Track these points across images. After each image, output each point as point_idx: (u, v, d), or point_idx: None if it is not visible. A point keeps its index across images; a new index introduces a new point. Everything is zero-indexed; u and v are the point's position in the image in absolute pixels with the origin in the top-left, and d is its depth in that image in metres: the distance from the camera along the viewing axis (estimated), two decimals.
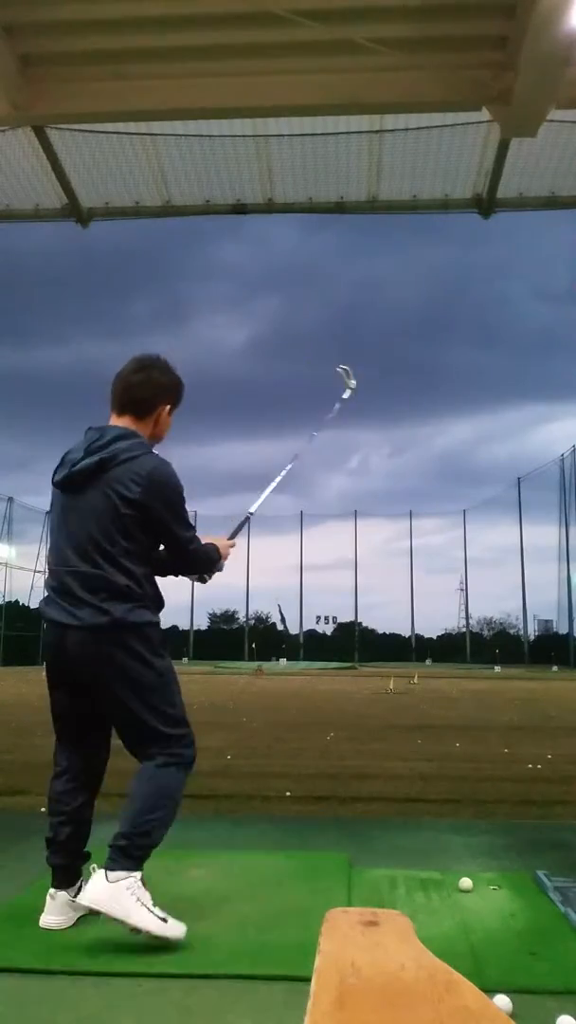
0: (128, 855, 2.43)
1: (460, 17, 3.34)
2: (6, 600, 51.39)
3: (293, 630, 59.39)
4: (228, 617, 63.84)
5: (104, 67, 3.62)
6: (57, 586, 2.62)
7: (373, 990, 1.24)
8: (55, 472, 2.72)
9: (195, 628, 57.46)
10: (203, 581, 2.98)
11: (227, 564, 2.94)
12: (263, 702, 14.91)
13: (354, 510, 58.44)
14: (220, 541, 2.90)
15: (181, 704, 2.69)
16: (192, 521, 2.80)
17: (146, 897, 2.40)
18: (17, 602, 54.59)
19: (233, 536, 3.03)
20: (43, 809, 4.57)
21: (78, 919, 2.57)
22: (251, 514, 3.17)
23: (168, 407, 2.84)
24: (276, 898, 2.84)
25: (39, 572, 54.79)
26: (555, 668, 43.75)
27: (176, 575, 2.87)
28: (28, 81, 3.65)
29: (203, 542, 2.80)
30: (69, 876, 2.61)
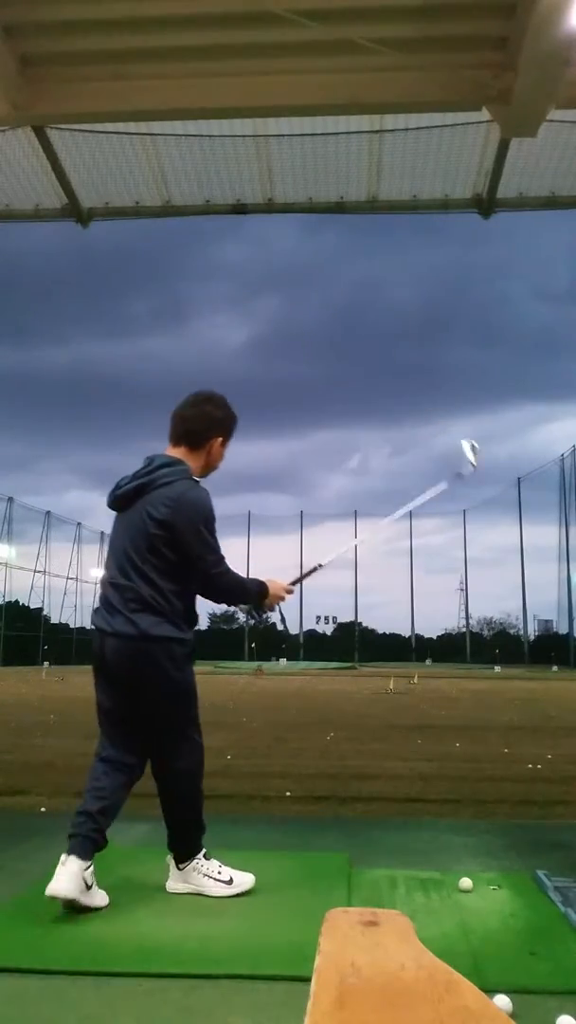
0: (184, 851, 2.88)
1: (460, 17, 3.34)
2: (6, 600, 51.38)
3: (293, 630, 59.37)
4: (228, 617, 63.88)
5: (104, 67, 3.61)
6: (102, 596, 2.92)
7: (373, 990, 1.24)
8: (108, 494, 3.01)
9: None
10: (254, 618, 3.15)
11: (285, 609, 3.10)
12: (263, 702, 14.90)
13: (354, 510, 58.47)
14: (276, 583, 3.04)
15: (197, 718, 2.93)
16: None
17: (212, 868, 2.86)
18: (17, 602, 54.63)
19: (294, 583, 3.15)
20: (43, 809, 4.59)
21: (80, 908, 2.61)
22: (321, 565, 3.27)
23: (220, 439, 3.06)
24: (276, 898, 2.84)
25: (39, 572, 54.87)
26: (555, 668, 43.78)
27: (208, 598, 2.99)
28: (28, 81, 3.65)
29: (262, 579, 3.01)
30: (85, 849, 2.69)
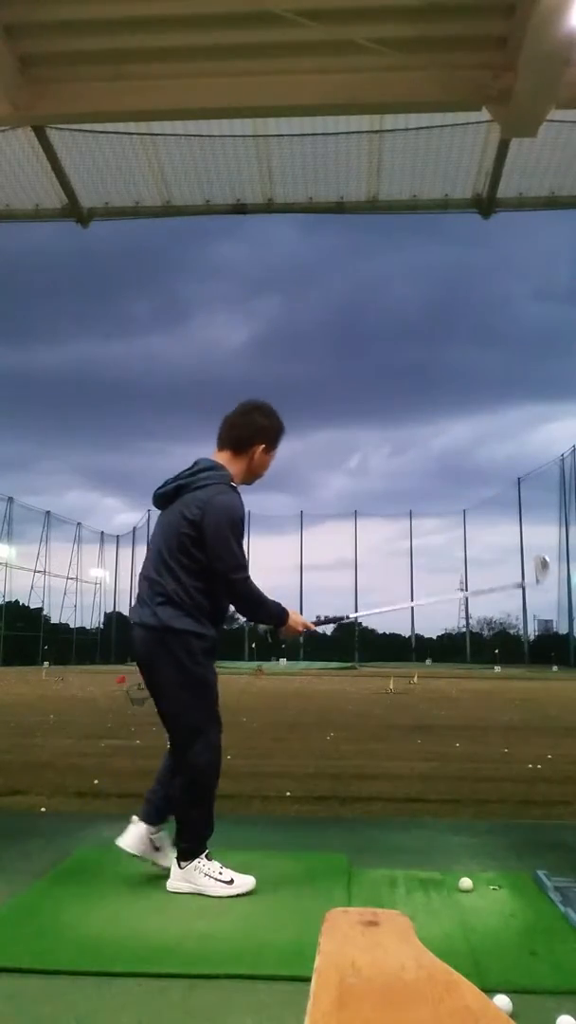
0: (188, 850, 2.92)
1: (460, 17, 3.34)
2: (6, 600, 51.39)
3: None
4: (228, 617, 63.86)
5: (104, 67, 3.61)
6: (138, 589, 3.10)
7: (373, 990, 1.24)
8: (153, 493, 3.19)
9: None
10: (267, 638, 3.22)
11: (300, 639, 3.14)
12: (263, 702, 14.91)
13: (354, 510, 58.51)
14: (296, 616, 3.13)
15: (213, 712, 3.00)
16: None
17: (213, 869, 2.89)
18: (17, 602, 54.65)
19: (317, 624, 3.24)
20: (43, 809, 4.59)
21: (153, 864, 3.04)
22: (348, 617, 3.34)
23: (263, 447, 3.15)
24: (276, 898, 2.84)
25: (39, 572, 54.85)
26: (555, 668, 43.76)
27: (230, 603, 3.07)
28: (28, 81, 3.64)
29: (285, 607, 3.10)
30: (149, 814, 3.06)
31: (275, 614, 3.09)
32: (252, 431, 3.14)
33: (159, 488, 3.11)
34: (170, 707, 2.98)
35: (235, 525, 2.95)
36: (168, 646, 2.92)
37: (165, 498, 3.09)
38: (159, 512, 3.14)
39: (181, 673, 2.93)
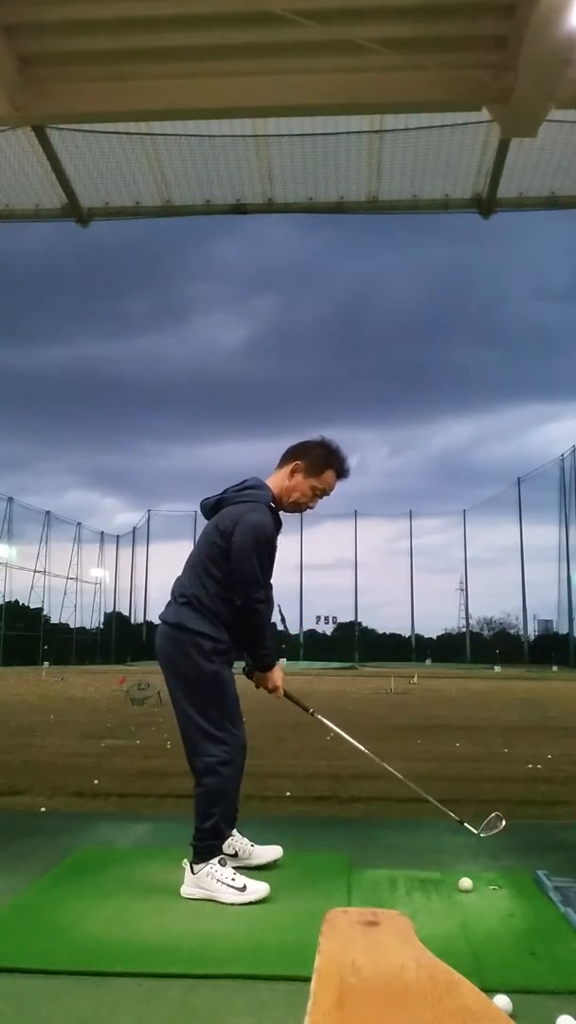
0: (203, 851, 2.92)
1: (460, 17, 3.34)
2: (6, 600, 51.38)
3: (293, 630, 59.40)
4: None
5: (104, 67, 3.61)
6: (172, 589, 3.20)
7: (373, 990, 1.24)
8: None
9: None
10: (242, 670, 3.20)
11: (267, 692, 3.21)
12: (263, 702, 14.85)
13: (354, 510, 58.45)
14: (278, 673, 3.17)
15: (228, 710, 3.01)
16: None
17: (226, 875, 2.86)
18: (17, 602, 54.60)
19: (286, 694, 3.25)
20: (43, 809, 4.59)
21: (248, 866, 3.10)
22: (312, 713, 3.34)
23: (303, 466, 3.17)
24: (276, 898, 2.83)
25: (39, 572, 54.84)
26: (555, 668, 43.74)
27: (241, 617, 3.05)
28: (28, 81, 3.64)
29: (275, 660, 3.17)
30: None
31: (266, 655, 3.13)
32: (296, 449, 3.23)
33: (205, 499, 3.26)
34: (185, 705, 3.01)
35: (260, 544, 3.00)
36: (181, 644, 3.01)
37: (208, 509, 3.22)
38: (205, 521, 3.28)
39: (195, 669, 2.98)
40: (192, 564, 3.13)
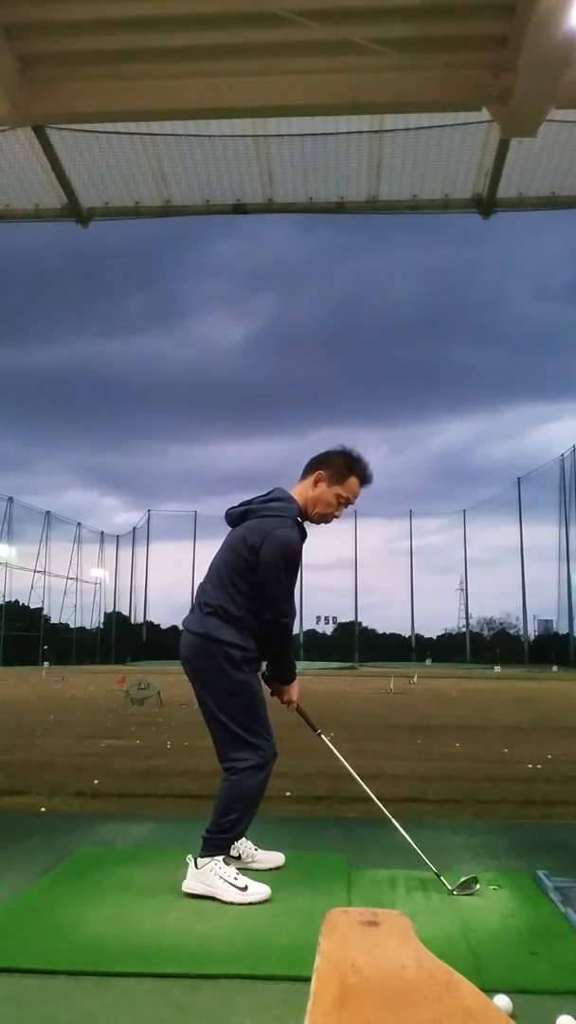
0: (211, 845, 2.94)
1: (460, 17, 3.34)
2: (6, 600, 51.38)
3: (293, 630, 59.47)
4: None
5: (104, 67, 3.61)
6: (195, 596, 3.22)
7: (373, 990, 1.24)
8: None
9: None
10: (261, 678, 3.23)
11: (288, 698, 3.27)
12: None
13: (354, 510, 58.34)
14: (295, 688, 3.26)
15: (259, 716, 3.05)
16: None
17: (229, 873, 2.87)
18: (17, 602, 54.64)
19: (299, 709, 3.31)
20: (43, 809, 4.59)
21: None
22: (320, 734, 3.38)
23: (326, 476, 3.18)
24: (276, 898, 2.83)
25: (39, 572, 54.86)
26: (555, 668, 43.76)
27: (268, 630, 3.10)
28: (28, 81, 3.64)
29: (296, 675, 3.25)
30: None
31: (289, 668, 3.22)
32: (320, 459, 3.23)
33: (231, 508, 3.25)
34: (217, 712, 3.03)
35: (288, 560, 3.03)
36: (210, 653, 3.03)
37: (233, 518, 3.22)
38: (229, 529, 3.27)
39: (225, 678, 3.02)
40: (217, 573, 3.13)
